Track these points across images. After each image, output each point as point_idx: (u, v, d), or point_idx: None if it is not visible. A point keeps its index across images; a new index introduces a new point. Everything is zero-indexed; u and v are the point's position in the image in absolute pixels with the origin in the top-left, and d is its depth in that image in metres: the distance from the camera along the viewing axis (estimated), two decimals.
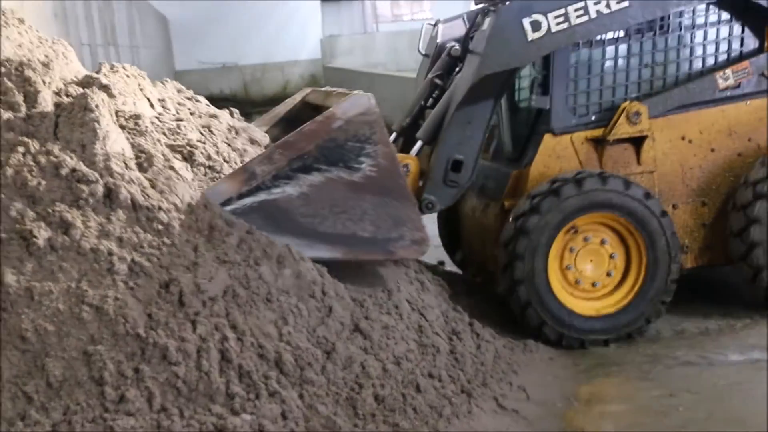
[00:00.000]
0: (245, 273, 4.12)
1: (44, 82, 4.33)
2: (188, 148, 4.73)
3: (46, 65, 4.47)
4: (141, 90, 5.08)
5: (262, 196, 4.47)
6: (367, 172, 4.65)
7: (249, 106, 27.55)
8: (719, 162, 5.82)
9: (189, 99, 5.61)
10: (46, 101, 4.18)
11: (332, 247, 4.63)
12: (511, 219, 5.41)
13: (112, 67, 5.04)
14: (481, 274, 6.36)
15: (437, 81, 5.95)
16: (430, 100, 5.91)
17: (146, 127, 4.58)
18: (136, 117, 4.58)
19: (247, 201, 4.45)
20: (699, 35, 5.85)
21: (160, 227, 3.99)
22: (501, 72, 5.33)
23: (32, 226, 3.67)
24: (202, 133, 5.03)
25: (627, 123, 5.59)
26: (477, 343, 5.00)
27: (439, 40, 6.22)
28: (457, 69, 5.95)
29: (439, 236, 6.98)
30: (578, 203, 5.29)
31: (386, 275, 5.22)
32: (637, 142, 5.70)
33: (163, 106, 5.22)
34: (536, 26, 5.23)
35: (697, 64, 5.87)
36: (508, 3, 5.31)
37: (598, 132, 5.68)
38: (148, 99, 5.09)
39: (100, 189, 3.90)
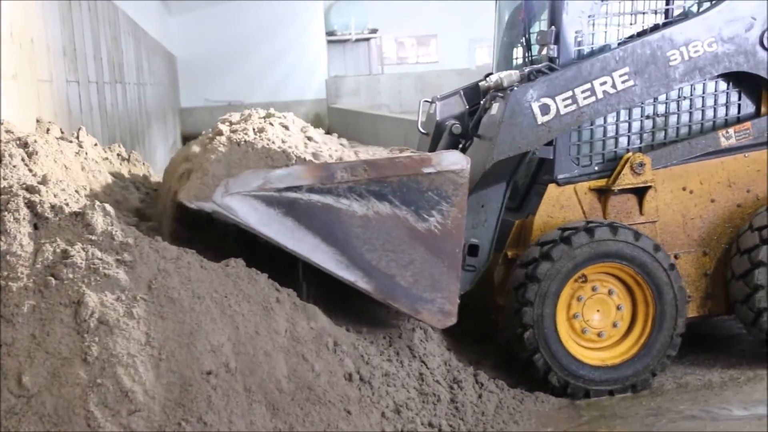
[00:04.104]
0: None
1: None
2: None
3: None
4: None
5: (329, 200, 4.50)
6: (432, 226, 4.68)
7: None
8: (719, 212, 5.88)
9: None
10: None
11: (368, 279, 4.63)
12: (519, 265, 5.42)
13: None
14: (484, 322, 6.31)
15: None
16: None
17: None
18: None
19: (314, 197, 4.48)
20: (698, 89, 5.93)
21: None
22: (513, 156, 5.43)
23: None
24: None
25: (631, 173, 5.64)
26: (479, 393, 4.96)
27: (438, 118, 6.31)
28: (459, 147, 6.05)
29: None
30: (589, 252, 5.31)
31: (387, 321, 5.19)
32: (640, 192, 5.74)
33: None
34: (545, 110, 5.36)
35: (698, 116, 5.95)
36: (516, 88, 5.41)
37: (601, 182, 5.73)
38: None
39: None
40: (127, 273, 3.74)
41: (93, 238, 3.86)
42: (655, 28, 5.76)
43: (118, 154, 6.36)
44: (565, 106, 5.41)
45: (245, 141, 4.75)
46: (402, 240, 4.63)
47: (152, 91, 16.83)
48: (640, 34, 5.73)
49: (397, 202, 4.60)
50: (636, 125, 5.86)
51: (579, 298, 5.42)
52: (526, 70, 5.56)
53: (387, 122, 18.14)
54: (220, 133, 5.02)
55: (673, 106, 5.90)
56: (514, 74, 5.62)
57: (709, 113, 5.96)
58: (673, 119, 5.91)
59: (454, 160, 4.73)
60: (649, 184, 5.70)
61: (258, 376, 3.82)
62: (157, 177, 6.62)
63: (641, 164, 5.64)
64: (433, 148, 6.22)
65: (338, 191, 4.49)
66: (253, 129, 4.99)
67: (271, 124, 5.16)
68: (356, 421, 4.09)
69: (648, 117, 5.86)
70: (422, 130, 6.52)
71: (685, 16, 5.82)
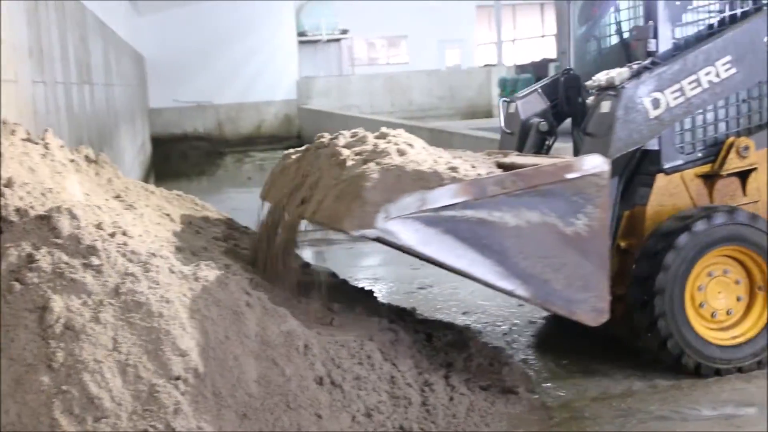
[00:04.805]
0: None
1: None
2: None
3: None
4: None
5: (482, 214, 4.63)
6: (579, 228, 4.82)
7: (223, 144, 27.61)
8: None
9: None
10: None
11: (525, 286, 4.77)
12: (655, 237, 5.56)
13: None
14: None
15: None
16: None
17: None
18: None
19: (468, 213, 4.61)
20: None
21: None
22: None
23: None
24: None
25: (737, 157, 5.82)
26: (450, 395, 4.94)
27: (522, 117, 6.50)
28: (546, 144, 6.35)
29: None
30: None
31: (358, 323, 5.17)
32: (743, 174, 5.91)
33: None
34: (656, 104, 5.52)
35: None
36: (626, 85, 5.53)
37: (706, 168, 5.89)
38: None
39: None
40: (94, 277, 3.70)
41: (59, 241, 3.81)
42: (745, 15, 5.87)
43: (86, 156, 6.27)
44: (674, 99, 5.55)
45: (395, 165, 4.78)
46: (553, 245, 4.78)
47: (120, 91, 16.68)
48: (732, 21, 5.85)
49: (545, 209, 4.74)
50: (733, 110, 6.02)
51: (709, 273, 5.56)
52: (635, 66, 5.69)
53: (358, 123, 18.05)
54: (344, 162, 5.02)
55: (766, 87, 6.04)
56: (625, 71, 5.71)
57: None
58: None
59: (595, 164, 4.89)
60: (755, 166, 5.87)
61: (227, 381, 3.78)
62: (124, 179, 6.53)
63: (746, 148, 5.81)
64: (520, 147, 6.41)
65: (490, 205, 4.63)
66: (397, 152, 5.01)
67: (396, 144, 5.17)
68: (327, 425, 4.07)
69: (744, 101, 6.03)
70: (506, 130, 6.67)
71: None
